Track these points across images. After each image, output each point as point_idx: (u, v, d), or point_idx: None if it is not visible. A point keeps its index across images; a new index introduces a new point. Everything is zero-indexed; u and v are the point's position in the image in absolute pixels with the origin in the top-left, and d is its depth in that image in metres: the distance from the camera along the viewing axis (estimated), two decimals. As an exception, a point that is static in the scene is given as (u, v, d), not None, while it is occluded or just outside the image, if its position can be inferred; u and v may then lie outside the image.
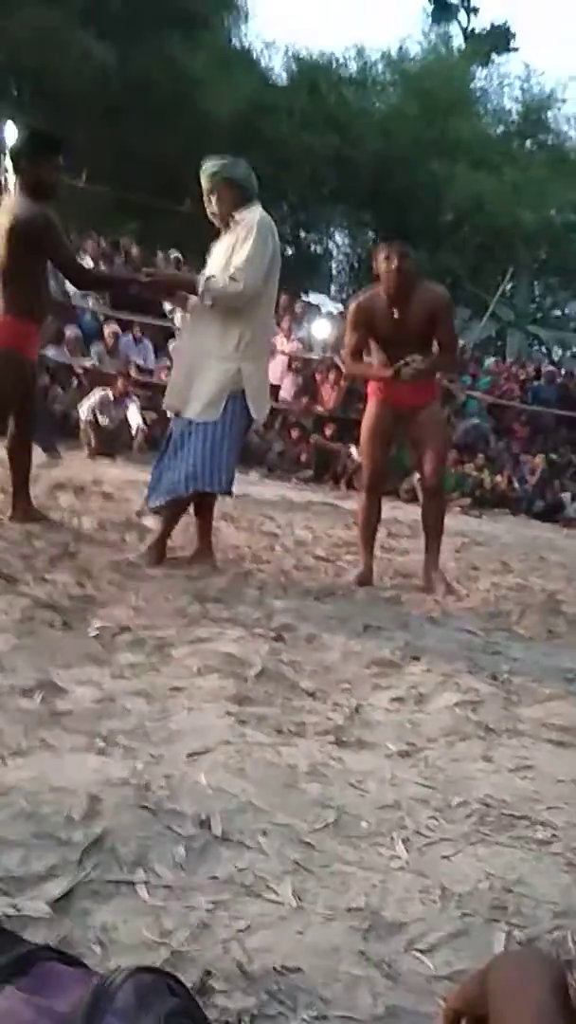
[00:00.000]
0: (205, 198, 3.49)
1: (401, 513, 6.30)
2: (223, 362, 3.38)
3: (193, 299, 3.43)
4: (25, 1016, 0.52)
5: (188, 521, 3.77)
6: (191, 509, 3.66)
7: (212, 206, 3.47)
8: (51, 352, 8.70)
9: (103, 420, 7.75)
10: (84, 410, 7.77)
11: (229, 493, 3.64)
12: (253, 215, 3.38)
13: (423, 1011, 1.06)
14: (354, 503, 5.74)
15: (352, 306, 4.03)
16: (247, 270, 3.30)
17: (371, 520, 4.06)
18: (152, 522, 3.81)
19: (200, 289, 3.36)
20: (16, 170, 3.55)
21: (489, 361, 12.11)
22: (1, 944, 0.64)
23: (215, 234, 3.55)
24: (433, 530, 4.01)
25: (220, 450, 3.39)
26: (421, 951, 1.19)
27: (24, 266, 3.52)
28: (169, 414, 3.62)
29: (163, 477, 3.49)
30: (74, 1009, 0.54)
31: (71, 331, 8.91)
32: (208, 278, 3.37)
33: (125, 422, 7.99)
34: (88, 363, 8.80)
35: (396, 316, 3.76)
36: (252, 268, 3.30)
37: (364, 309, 3.87)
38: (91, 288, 3.78)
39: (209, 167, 3.43)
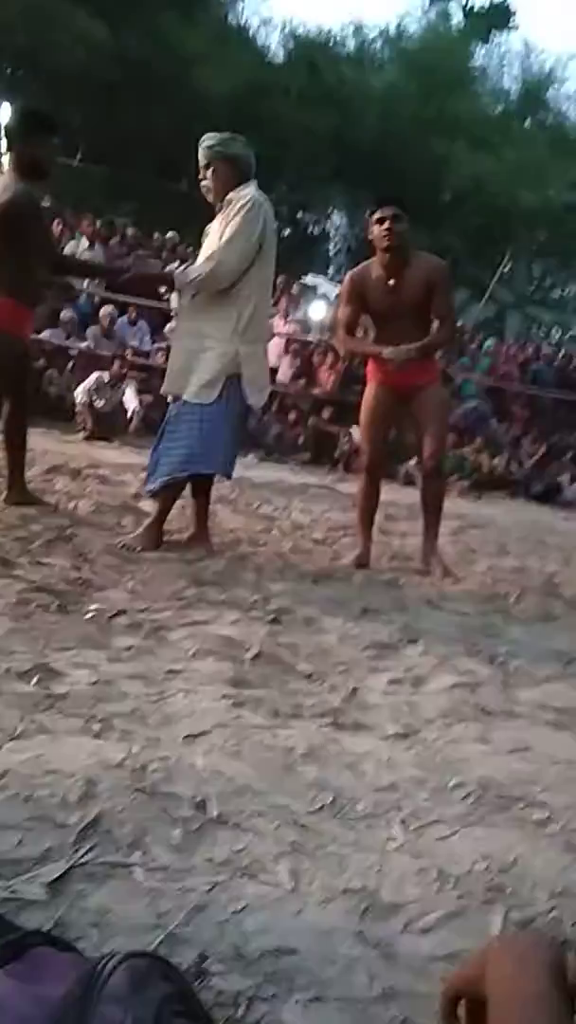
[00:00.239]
0: (201, 173, 3.44)
1: (399, 496, 6.28)
2: (220, 344, 3.35)
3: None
4: (17, 1002, 0.52)
5: (185, 504, 3.76)
6: (188, 492, 3.64)
7: (207, 181, 3.42)
8: (47, 334, 8.64)
9: (99, 403, 7.72)
10: (80, 393, 7.73)
11: (228, 475, 3.62)
12: (244, 195, 3.33)
13: (420, 992, 1.06)
14: (351, 486, 5.74)
15: (346, 278, 3.93)
16: (224, 249, 3.27)
17: (370, 502, 4.02)
18: (151, 506, 3.79)
19: (177, 284, 3.36)
20: (10, 149, 3.51)
21: (489, 343, 12.02)
22: (-7, 929, 0.63)
23: (212, 214, 3.52)
24: (432, 512, 3.97)
25: (218, 432, 3.36)
26: (418, 932, 1.19)
27: (13, 247, 3.48)
28: (168, 398, 3.59)
29: (161, 460, 3.47)
30: (66, 995, 0.53)
31: (67, 313, 8.85)
32: (183, 270, 3.38)
33: (121, 405, 7.95)
34: (84, 345, 8.74)
35: (391, 285, 3.66)
36: (230, 248, 3.26)
37: (358, 280, 3.77)
38: (68, 275, 3.71)
39: (207, 141, 3.40)
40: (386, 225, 3.58)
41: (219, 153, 3.37)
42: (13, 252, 3.48)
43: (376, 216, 3.65)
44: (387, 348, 3.68)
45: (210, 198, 3.44)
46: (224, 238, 3.28)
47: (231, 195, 3.35)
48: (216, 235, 3.38)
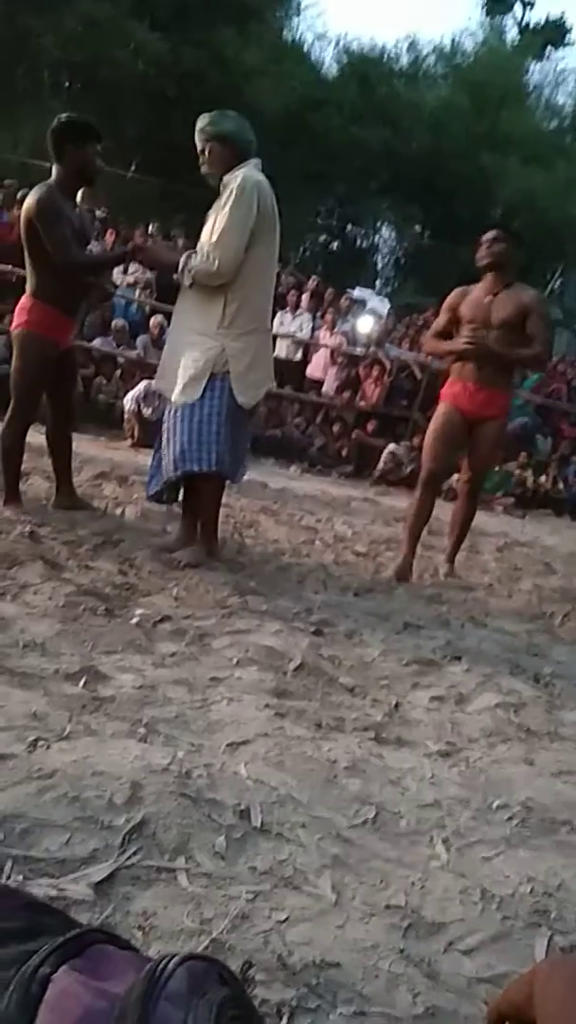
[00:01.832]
0: (200, 158, 3.26)
1: (442, 512, 6.24)
2: (205, 339, 3.18)
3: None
4: (82, 997, 0.53)
5: (227, 512, 3.78)
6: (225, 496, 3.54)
7: (205, 166, 3.25)
8: (97, 342, 8.78)
9: (146, 411, 7.80)
10: (128, 400, 7.83)
11: (233, 480, 3.44)
12: (237, 178, 3.12)
13: (463, 1013, 1.05)
14: (394, 500, 5.72)
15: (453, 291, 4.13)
16: (220, 245, 3.09)
17: (421, 516, 4.05)
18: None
19: (180, 268, 3.21)
20: (56, 157, 3.57)
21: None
22: (53, 924, 0.65)
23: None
24: (460, 526, 4.26)
25: (208, 430, 3.17)
26: (461, 952, 1.18)
27: (43, 250, 3.53)
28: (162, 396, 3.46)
29: (160, 464, 3.36)
30: (128, 992, 0.54)
31: (119, 321, 8.98)
32: (189, 256, 3.21)
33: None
34: (133, 354, 8.86)
35: (487, 303, 3.85)
36: (226, 242, 3.09)
37: (459, 292, 4.01)
38: (81, 272, 3.68)
39: (200, 122, 3.23)
40: (487, 245, 3.86)
41: (211, 133, 3.19)
42: (46, 257, 3.53)
43: (483, 237, 3.92)
44: (464, 340, 3.84)
45: (212, 183, 3.26)
46: (216, 232, 3.11)
47: (226, 178, 3.17)
48: (210, 224, 3.21)
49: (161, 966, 0.56)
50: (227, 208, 3.10)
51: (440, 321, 4.08)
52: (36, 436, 3.95)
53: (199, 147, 3.24)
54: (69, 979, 0.54)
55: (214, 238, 3.11)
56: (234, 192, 3.09)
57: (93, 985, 0.54)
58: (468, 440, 4.05)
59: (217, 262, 3.10)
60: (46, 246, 3.51)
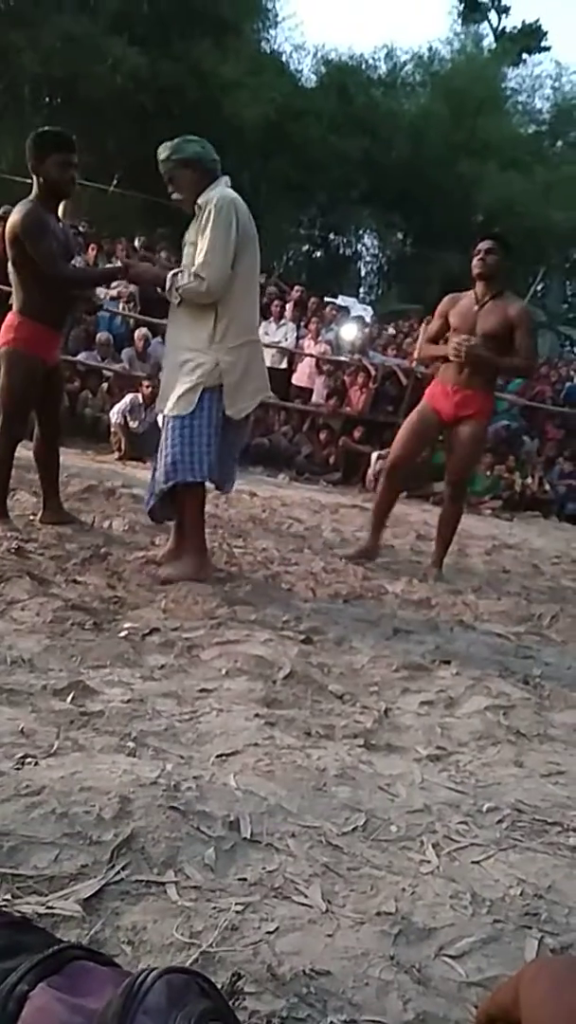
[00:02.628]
0: (169, 187, 3.28)
1: (431, 516, 6.26)
2: (197, 355, 3.21)
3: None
4: (58, 1014, 0.53)
5: (215, 523, 3.78)
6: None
7: (176, 194, 3.27)
8: (82, 356, 8.77)
9: (133, 424, 7.80)
10: (115, 414, 7.82)
11: (222, 490, 3.50)
12: (211, 198, 3.15)
13: (454, 1018, 1.05)
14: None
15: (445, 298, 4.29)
16: (208, 265, 3.12)
17: (383, 504, 4.31)
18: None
19: (167, 286, 3.24)
20: (33, 171, 3.57)
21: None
22: (33, 942, 0.65)
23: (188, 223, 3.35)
24: (447, 530, 4.31)
25: (199, 440, 3.20)
26: (452, 957, 1.18)
27: (29, 266, 3.53)
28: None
29: (155, 479, 3.38)
30: (106, 1007, 0.54)
31: (103, 335, 8.98)
32: (175, 274, 3.24)
33: (155, 425, 8.01)
34: (118, 367, 8.86)
35: (475, 311, 3.99)
36: (213, 262, 3.12)
37: (450, 299, 4.18)
38: (70, 286, 3.67)
39: (160, 153, 3.24)
40: (480, 256, 4.01)
41: (176, 161, 3.21)
42: (30, 271, 3.53)
43: (476, 248, 4.06)
44: (452, 345, 3.96)
45: (187, 208, 3.28)
46: (202, 253, 3.14)
47: (200, 200, 3.19)
48: (192, 242, 3.25)
49: (139, 980, 0.56)
50: (208, 230, 3.13)
51: (433, 327, 4.26)
52: (22, 451, 3.94)
53: (165, 177, 3.27)
54: (47, 996, 0.54)
55: (199, 259, 3.15)
56: (212, 213, 3.12)
57: (70, 1002, 0.54)
58: (447, 442, 4.19)
59: (206, 284, 3.15)
60: (35, 261, 3.51)
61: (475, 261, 4.03)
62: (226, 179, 3.28)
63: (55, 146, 3.54)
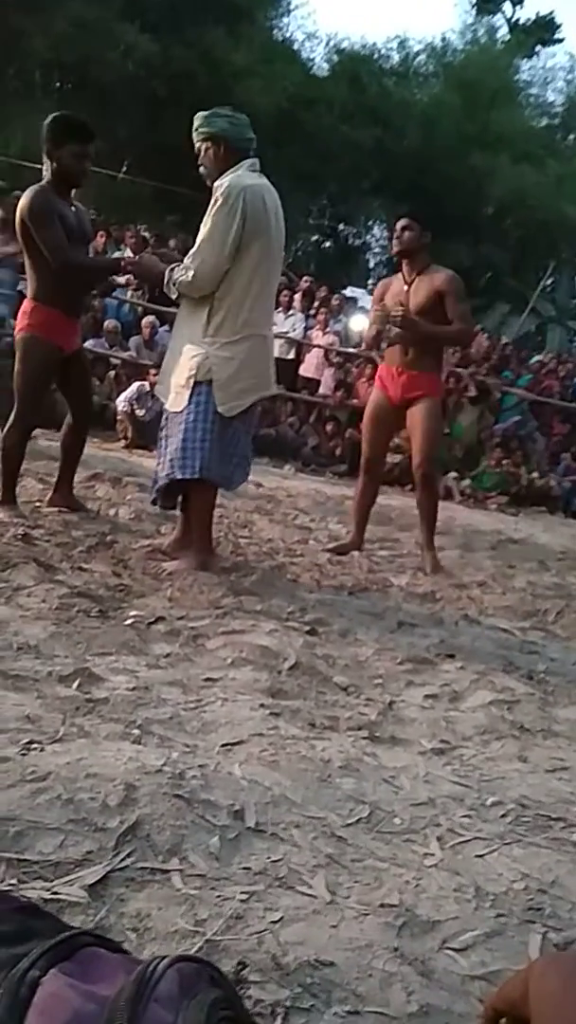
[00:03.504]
0: (198, 157, 3.20)
1: (449, 511, 6.24)
2: (192, 347, 3.15)
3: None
4: (71, 1000, 0.53)
5: (221, 513, 3.77)
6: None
7: (202, 166, 3.19)
8: (90, 343, 8.76)
9: (140, 412, 7.79)
10: (121, 402, 7.82)
11: (224, 487, 3.35)
12: (223, 183, 3.04)
13: (457, 1010, 1.05)
14: (387, 498, 5.73)
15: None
16: (197, 254, 3.06)
17: (364, 501, 4.31)
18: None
19: (165, 281, 3.21)
20: (47, 155, 3.54)
21: (536, 358, 12.03)
22: (43, 927, 0.64)
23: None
24: (427, 515, 4.22)
25: (193, 437, 3.12)
26: (455, 950, 1.19)
27: (39, 251, 3.51)
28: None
29: (157, 468, 3.36)
30: (118, 994, 0.54)
31: (111, 322, 8.96)
32: (172, 269, 3.19)
33: (161, 414, 8.01)
34: (125, 355, 8.85)
35: (405, 291, 4.00)
36: (203, 252, 3.05)
37: (383, 283, 4.27)
38: (73, 274, 3.63)
39: (195, 122, 3.15)
40: (396, 235, 4.03)
41: (203, 134, 3.12)
42: (43, 258, 3.51)
43: (396, 226, 4.08)
44: (377, 320, 3.98)
45: (209, 182, 3.17)
46: (197, 242, 3.09)
47: (217, 182, 3.07)
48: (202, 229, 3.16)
49: (151, 968, 0.56)
50: (209, 219, 3.06)
51: (373, 315, 4.20)
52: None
53: (196, 146, 3.18)
54: (58, 982, 0.54)
55: (193, 249, 3.10)
56: (217, 201, 3.04)
57: (82, 988, 0.54)
58: (408, 429, 4.18)
59: (192, 273, 3.07)
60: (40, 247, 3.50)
61: (393, 241, 4.06)
62: (250, 162, 3.16)
63: (73, 135, 3.51)
